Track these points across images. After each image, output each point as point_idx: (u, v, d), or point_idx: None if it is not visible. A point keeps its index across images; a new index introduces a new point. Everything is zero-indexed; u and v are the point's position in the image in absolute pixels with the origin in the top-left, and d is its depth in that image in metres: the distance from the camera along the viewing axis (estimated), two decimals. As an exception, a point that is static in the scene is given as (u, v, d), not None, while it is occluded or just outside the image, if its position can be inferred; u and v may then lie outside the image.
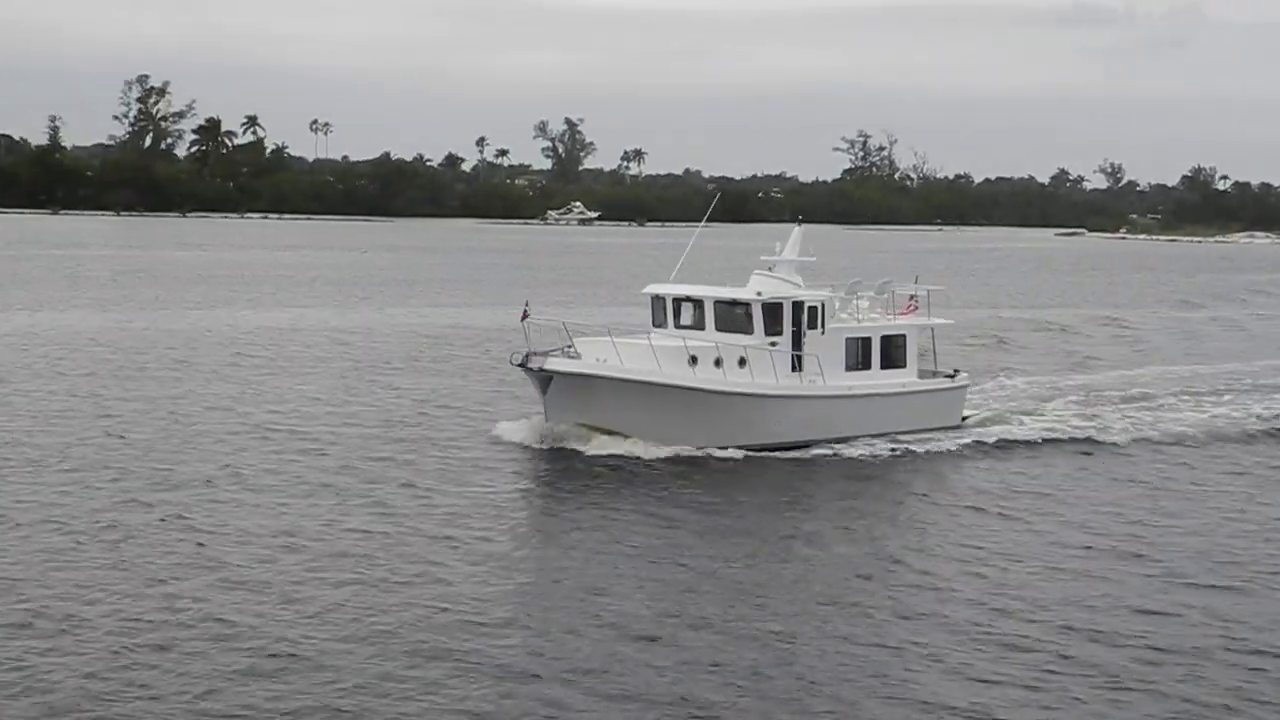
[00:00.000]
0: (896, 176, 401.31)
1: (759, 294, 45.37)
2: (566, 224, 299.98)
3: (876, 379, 47.05)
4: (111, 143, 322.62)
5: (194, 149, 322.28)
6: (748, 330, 44.89)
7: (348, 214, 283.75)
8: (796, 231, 48.64)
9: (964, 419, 49.53)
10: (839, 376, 46.10)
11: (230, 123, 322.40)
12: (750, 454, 43.04)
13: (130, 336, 70.27)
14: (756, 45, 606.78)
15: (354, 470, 39.39)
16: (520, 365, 43.04)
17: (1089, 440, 47.69)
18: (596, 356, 43.27)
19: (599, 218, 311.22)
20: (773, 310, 45.12)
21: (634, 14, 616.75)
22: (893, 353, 47.86)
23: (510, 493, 38.06)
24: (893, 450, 44.99)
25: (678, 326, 45.74)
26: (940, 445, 46.04)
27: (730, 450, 43.01)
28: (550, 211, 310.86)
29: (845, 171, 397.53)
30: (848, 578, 30.87)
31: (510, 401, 50.69)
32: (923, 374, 49.16)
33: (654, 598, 28.71)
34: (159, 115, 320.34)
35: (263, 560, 30.22)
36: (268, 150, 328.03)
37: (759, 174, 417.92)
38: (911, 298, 51.21)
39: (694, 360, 43.29)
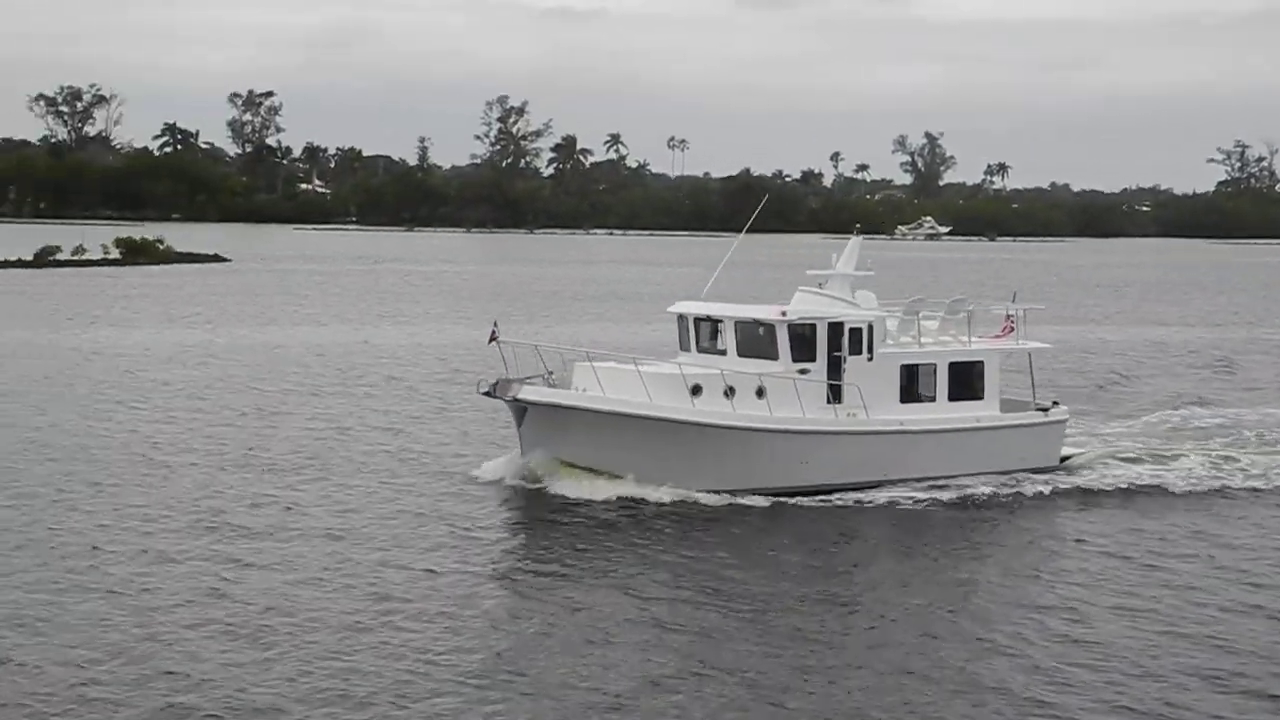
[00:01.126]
0: (1278, 189, 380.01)
1: (783, 313, 39.28)
2: (914, 239, 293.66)
3: (941, 412, 40.50)
4: (475, 161, 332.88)
5: (551, 166, 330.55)
6: (772, 355, 38.95)
7: (696, 230, 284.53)
8: (853, 242, 42.40)
9: (1064, 459, 42.63)
10: (891, 409, 39.69)
11: (587, 141, 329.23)
12: (773, 499, 37.36)
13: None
14: (1139, 51, 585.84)
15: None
16: (487, 394, 37.84)
17: (1224, 491, 40.65)
18: (582, 384, 37.93)
19: (949, 232, 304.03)
20: (801, 333, 38.98)
21: (1016, 24, 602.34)
22: (965, 382, 41.07)
23: (469, 539, 33.41)
24: (956, 495, 38.78)
25: (699, 350, 40.17)
26: (1019, 489, 39.76)
27: (746, 495, 37.36)
28: (900, 227, 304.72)
29: (1220, 183, 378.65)
30: (854, 653, 25.88)
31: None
32: (1010, 406, 42.50)
33: (624, 673, 24.53)
34: (519, 134, 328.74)
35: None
36: (627, 167, 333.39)
37: (1130, 187, 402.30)
38: (1007, 317, 44.02)
39: (697, 390, 37.61)
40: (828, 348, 39.07)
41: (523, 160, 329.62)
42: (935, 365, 40.78)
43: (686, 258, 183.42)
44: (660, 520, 35.57)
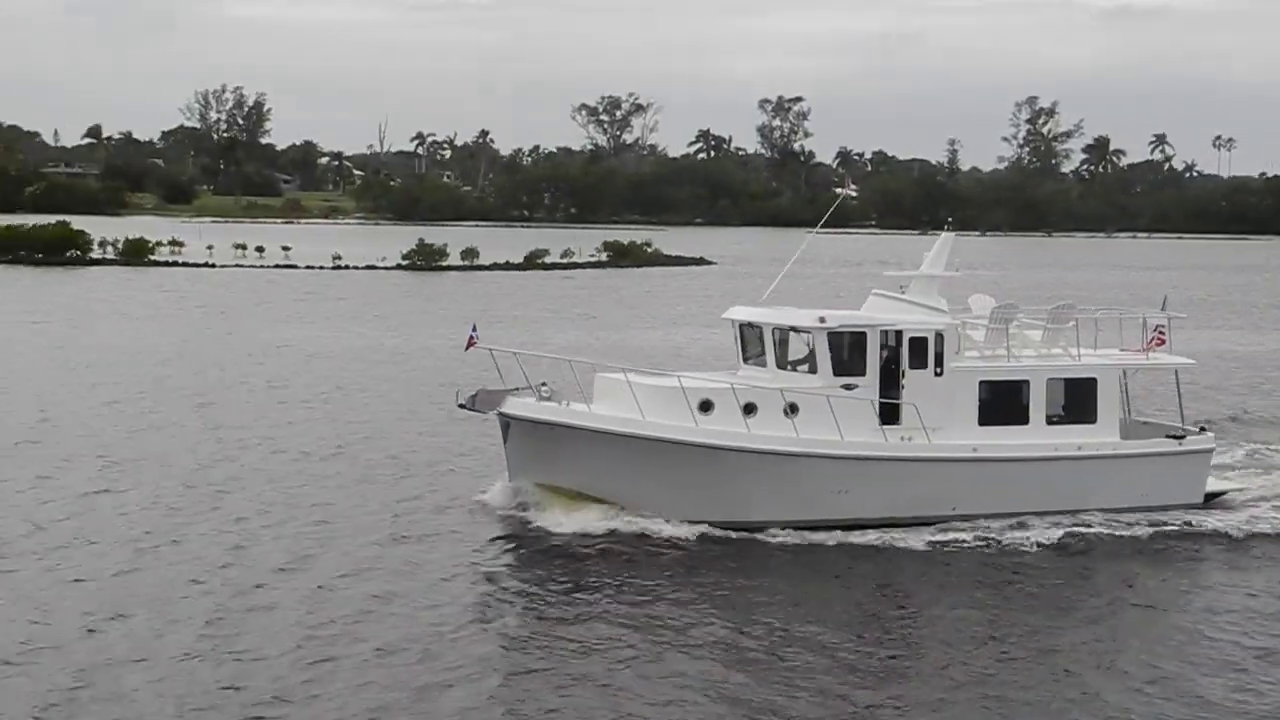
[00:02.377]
0: None
1: (822, 319, 33.83)
2: None
3: (1035, 437, 34.51)
4: (1001, 164, 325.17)
5: (1081, 168, 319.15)
6: (812, 368, 34.06)
7: (1233, 233, 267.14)
8: (943, 239, 36.35)
9: (1211, 496, 36.07)
10: (966, 432, 33.95)
11: (1123, 142, 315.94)
12: (803, 533, 32.50)
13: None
14: None
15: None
16: (465, 406, 33.42)
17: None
18: (600, 398, 33.48)
19: None
20: (843, 342, 33.78)
21: None
22: (1070, 402, 35.14)
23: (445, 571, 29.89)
24: (1046, 536, 32.96)
25: (749, 362, 35.30)
26: (1135, 531, 33.74)
27: (769, 528, 32.58)
28: None
29: None
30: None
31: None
32: (1148, 431, 36.56)
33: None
34: (1049, 135, 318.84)
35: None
36: (1172, 168, 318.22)
37: None
38: (1157, 329, 37.28)
39: (706, 406, 32.65)
40: (882, 360, 33.85)
41: (1051, 161, 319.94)
42: (1028, 382, 34.83)
43: (1210, 261, 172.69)
44: (651, 558, 31.11)
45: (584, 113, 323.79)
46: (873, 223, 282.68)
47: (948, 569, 31.11)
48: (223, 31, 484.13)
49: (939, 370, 34.03)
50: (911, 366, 33.79)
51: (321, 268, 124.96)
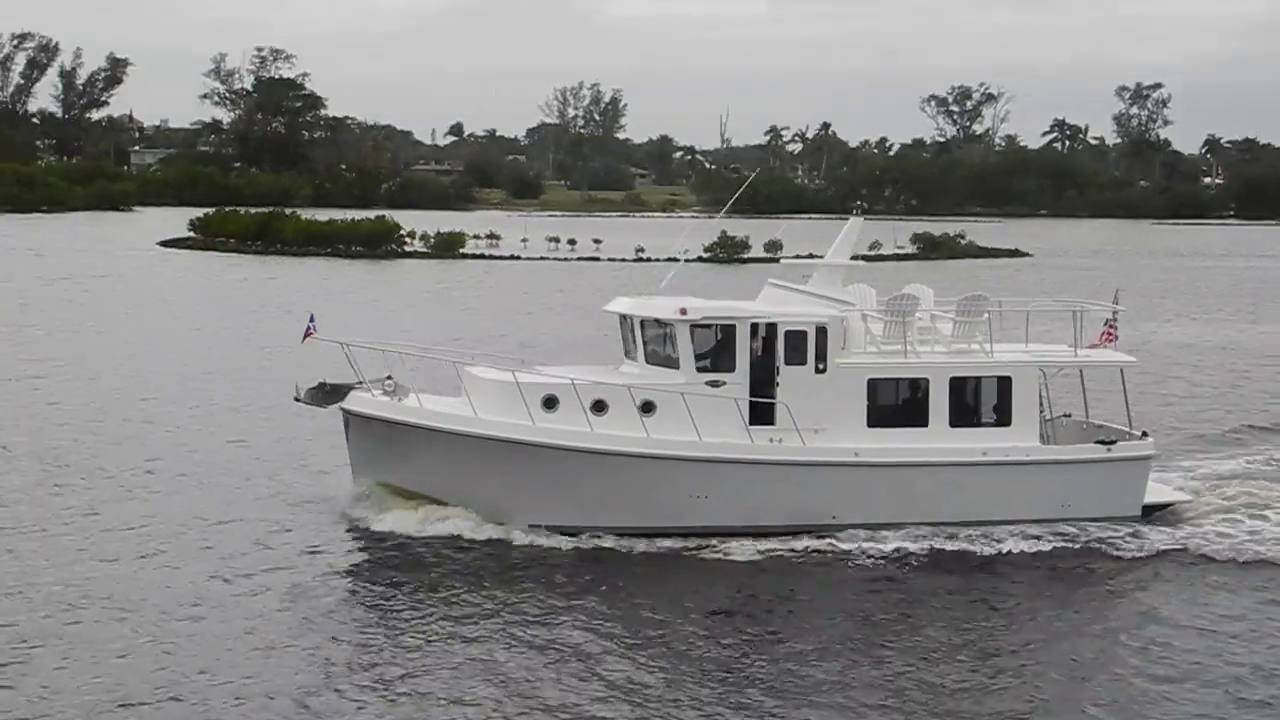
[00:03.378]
0: None
1: (683, 310, 31.11)
2: None
3: (934, 440, 31.44)
4: None
5: None
6: (675, 363, 31.21)
7: None
8: (850, 224, 33.68)
9: (1152, 509, 32.73)
10: (852, 435, 31.12)
11: None
12: (654, 540, 30.34)
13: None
14: None
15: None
16: (302, 399, 31.78)
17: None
18: (467, 394, 31.30)
19: None
20: (707, 335, 31.18)
21: None
22: (979, 403, 32.12)
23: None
24: (936, 547, 30.41)
25: (626, 356, 32.78)
26: (1040, 546, 30.77)
27: (620, 535, 30.38)
28: None
29: None
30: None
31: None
32: (1070, 434, 33.42)
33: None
34: None
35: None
36: None
37: None
38: (1107, 324, 34.22)
39: (550, 403, 30.49)
40: (756, 355, 31.28)
41: None
42: (926, 380, 31.79)
43: None
44: (480, 564, 29.32)
45: (933, 104, 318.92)
46: (1230, 213, 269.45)
47: (810, 581, 28.62)
48: (595, 31, 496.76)
49: (821, 367, 31.35)
50: (787, 363, 31.21)
51: (623, 260, 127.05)
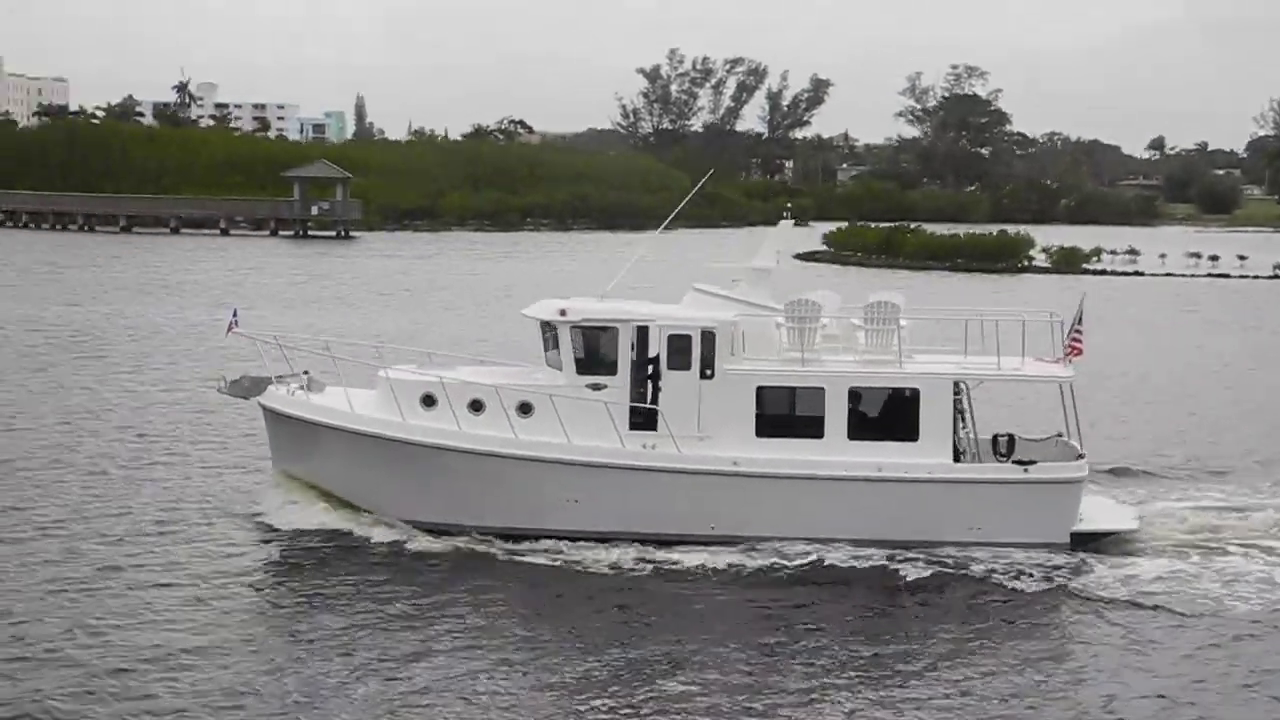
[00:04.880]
0: None
1: (562, 312, 30.21)
2: None
3: (829, 453, 29.41)
4: None
5: None
6: (560, 364, 30.28)
7: None
8: (778, 229, 33.00)
9: (1086, 537, 29.61)
10: (739, 444, 29.50)
11: None
12: (517, 541, 29.50)
13: None
14: None
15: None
16: (224, 391, 32.34)
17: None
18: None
19: None
20: (589, 337, 30.13)
21: None
22: (882, 416, 29.89)
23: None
24: (813, 562, 28.43)
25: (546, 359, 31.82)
26: (921, 571, 28.03)
27: (493, 535, 29.72)
28: None
29: None
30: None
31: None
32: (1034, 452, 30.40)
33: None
34: None
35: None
36: None
37: None
38: (1072, 335, 30.82)
39: (429, 401, 30.11)
40: (639, 359, 30.08)
41: None
42: (823, 390, 29.70)
43: None
44: (357, 560, 28.91)
45: None
46: None
47: (663, 594, 27.21)
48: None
49: (707, 372, 29.84)
50: (670, 367, 29.89)
51: (1255, 277, 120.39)
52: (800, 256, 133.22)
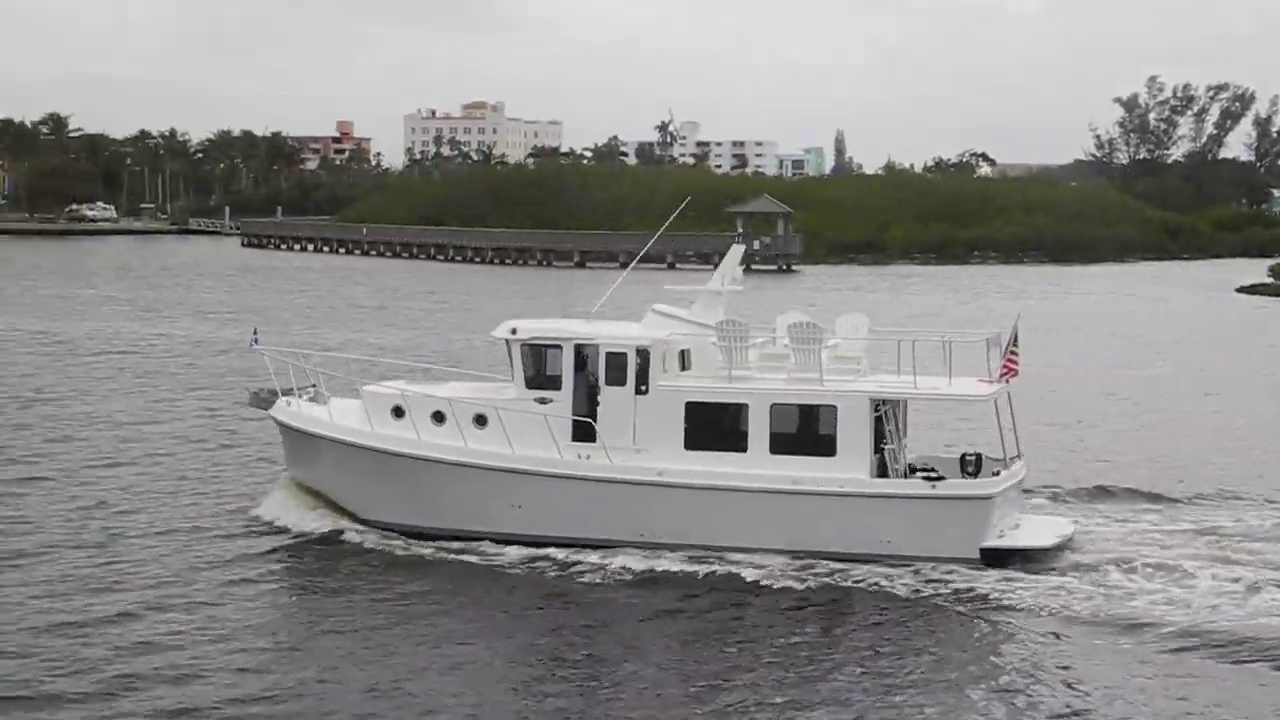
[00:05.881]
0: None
1: (514, 330, 32.69)
2: None
3: (750, 466, 30.99)
4: None
5: None
6: (511, 380, 32.72)
7: None
8: (731, 252, 34.73)
9: (1003, 552, 30.33)
10: (669, 456, 31.28)
11: None
12: (467, 543, 31.84)
13: None
14: None
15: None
16: (248, 402, 35.78)
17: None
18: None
19: None
20: (537, 354, 32.36)
21: None
22: (800, 431, 31.17)
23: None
24: (721, 571, 29.85)
25: None
26: (827, 579, 29.32)
27: (446, 536, 32.17)
28: None
29: None
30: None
31: None
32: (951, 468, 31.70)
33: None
34: None
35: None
36: None
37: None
38: (1008, 355, 31.34)
39: (399, 413, 32.80)
40: (580, 375, 32.22)
41: None
42: (746, 406, 31.37)
43: None
44: (328, 558, 31.65)
45: None
46: None
47: (579, 598, 28.99)
48: None
49: (641, 388, 31.67)
50: (607, 383, 31.97)
51: None
52: (1243, 290, 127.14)
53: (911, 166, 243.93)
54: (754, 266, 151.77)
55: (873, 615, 28.08)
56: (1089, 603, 28.33)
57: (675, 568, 30.50)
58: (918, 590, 29.10)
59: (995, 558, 30.56)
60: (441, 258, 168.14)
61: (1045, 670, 25.33)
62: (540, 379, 32.69)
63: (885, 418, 31.48)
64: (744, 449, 31.47)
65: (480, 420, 32.53)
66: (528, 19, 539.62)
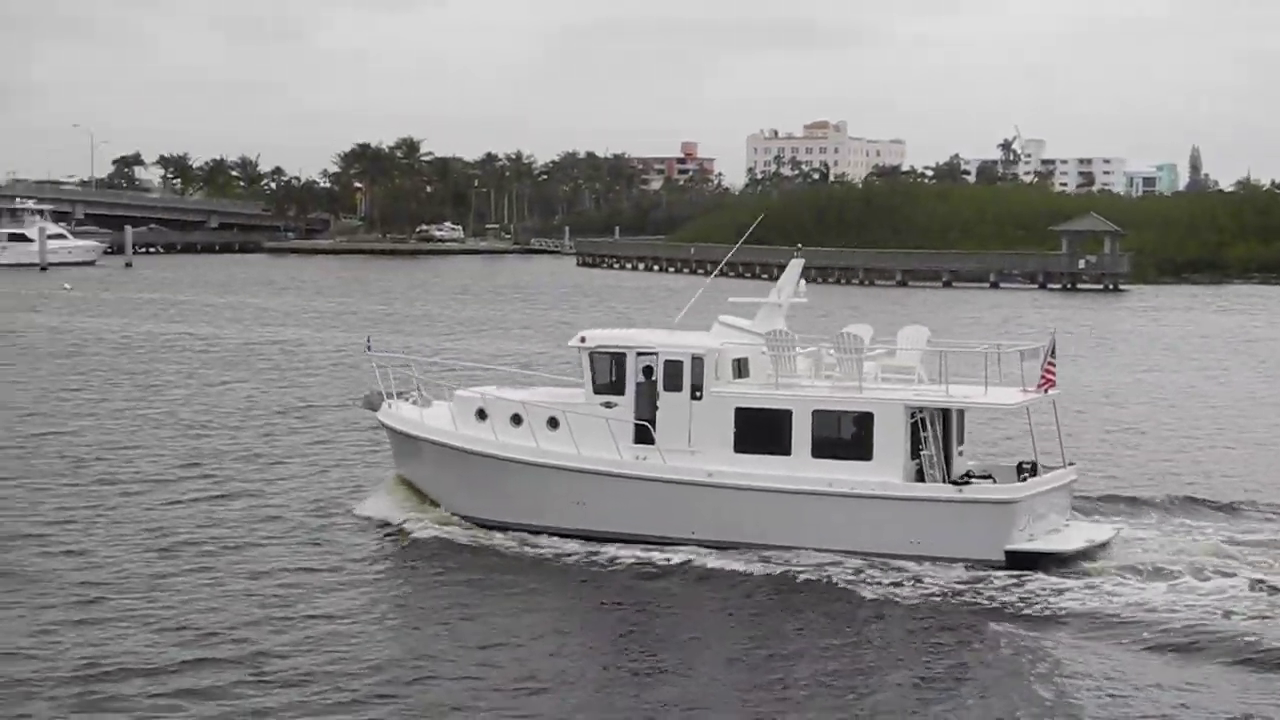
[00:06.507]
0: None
1: (583, 339, 35.04)
2: None
3: (794, 469, 32.64)
4: None
5: None
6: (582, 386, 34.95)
7: None
8: (791, 266, 36.16)
9: (1029, 556, 31.21)
10: (720, 458, 33.22)
11: None
12: (538, 537, 34.10)
13: None
14: None
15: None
16: (359, 404, 39.42)
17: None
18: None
19: None
20: (603, 361, 34.45)
21: None
22: (840, 436, 32.85)
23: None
24: (766, 570, 31.31)
25: None
26: (859, 577, 30.59)
27: (521, 530, 34.41)
28: None
29: None
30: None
31: None
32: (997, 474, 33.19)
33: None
34: None
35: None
36: None
37: None
38: (1045, 366, 32.76)
39: (482, 415, 35.28)
40: (642, 381, 34.05)
41: None
42: (790, 412, 32.98)
43: None
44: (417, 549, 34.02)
45: None
46: None
47: (633, 590, 30.83)
48: None
49: (697, 394, 33.50)
50: (665, 389, 33.83)
51: None
52: None
53: (1273, 184, 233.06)
54: (1080, 286, 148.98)
55: (891, 616, 29.28)
56: (1093, 604, 29.25)
57: (718, 564, 32.10)
58: (938, 590, 30.34)
59: (1020, 560, 31.58)
60: (765, 276, 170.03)
61: (1030, 668, 26.55)
62: (606, 385, 34.71)
63: (922, 425, 32.77)
64: (788, 452, 33.20)
65: (553, 423, 34.72)
66: (878, 36, 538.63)
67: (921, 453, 32.70)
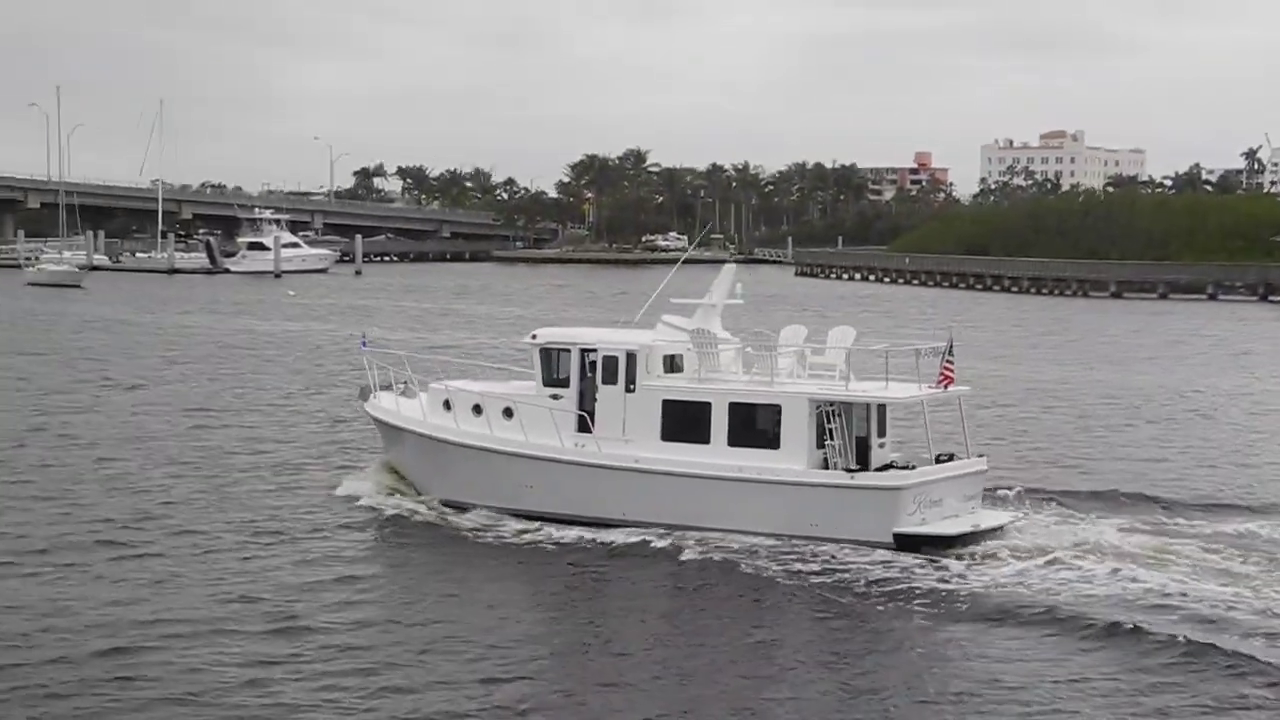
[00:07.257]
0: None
1: (534, 336, 38.48)
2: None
3: (712, 457, 35.34)
4: None
5: None
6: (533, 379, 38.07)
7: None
8: (725, 270, 39.34)
9: (917, 538, 33.62)
10: (649, 446, 35.97)
11: None
12: (493, 515, 36.87)
13: None
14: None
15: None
16: (358, 397, 41.98)
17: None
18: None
19: None
20: (551, 357, 37.67)
21: None
22: (752, 427, 35.35)
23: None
24: (675, 547, 33.94)
25: None
26: (767, 557, 33.01)
27: (479, 509, 37.35)
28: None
29: None
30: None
31: None
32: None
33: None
34: None
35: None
36: None
37: None
38: (943, 364, 35.16)
39: (448, 405, 38.53)
40: (584, 374, 36.99)
41: None
42: (709, 404, 35.69)
43: None
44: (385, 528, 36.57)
45: None
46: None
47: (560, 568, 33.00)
48: None
49: (630, 387, 36.30)
50: (603, 382, 36.63)
51: None
52: None
53: None
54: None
55: (787, 589, 31.38)
56: (958, 582, 31.29)
57: (647, 544, 34.35)
58: (830, 569, 32.41)
59: (906, 542, 33.79)
60: (979, 286, 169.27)
61: (888, 638, 28.45)
62: (553, 378, 37.67)
63: (827, 417, 34.92)
64: (707, 441, 35.70)
65: (508, 413, 37.77)
66: (1135, 46, 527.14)
67: (827, 443, 34.96)
